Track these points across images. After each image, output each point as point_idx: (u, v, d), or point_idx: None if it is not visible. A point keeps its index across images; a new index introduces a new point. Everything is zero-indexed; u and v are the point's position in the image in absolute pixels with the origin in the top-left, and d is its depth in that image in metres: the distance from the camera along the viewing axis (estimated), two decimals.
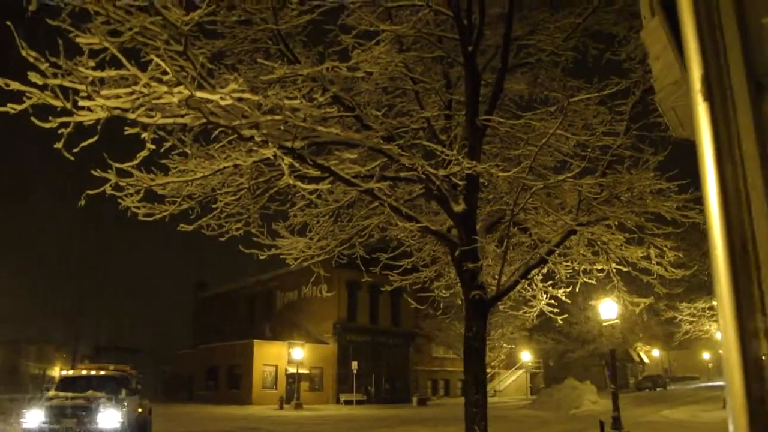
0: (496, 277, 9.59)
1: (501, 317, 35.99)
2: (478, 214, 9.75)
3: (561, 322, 13.60)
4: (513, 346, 55.15)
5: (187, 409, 41.48)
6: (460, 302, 13.54)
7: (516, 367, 65.77)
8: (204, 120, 7.20)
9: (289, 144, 7.22)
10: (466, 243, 9.31)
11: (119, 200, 8.21)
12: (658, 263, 10.54)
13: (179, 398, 54.82)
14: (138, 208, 8.45)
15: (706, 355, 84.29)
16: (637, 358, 78.53)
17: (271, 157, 7.37)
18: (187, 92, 5.97)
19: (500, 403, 42.45)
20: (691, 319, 36.68)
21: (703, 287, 35.58)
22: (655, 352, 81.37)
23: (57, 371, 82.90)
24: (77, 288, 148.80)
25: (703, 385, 71.87)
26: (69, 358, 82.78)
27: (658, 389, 66.76)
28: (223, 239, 9.65)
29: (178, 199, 8.62)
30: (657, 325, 51.62)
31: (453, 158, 8.05)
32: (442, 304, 14.39)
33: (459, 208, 9.19)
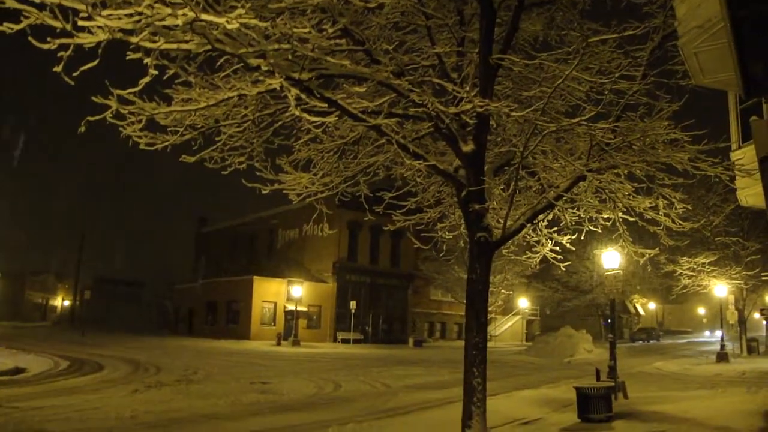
0: (502, 219, 9.47)
1: (502, 262, 36.13)
2: (486, 155, 9.56)
3: (564, 269, 13.56)
4: (511, 293, 55.54)
5: (185, 343, 42.04)
6: (462, 245, 13.47)
7: (513, 314, 66.49)
8: (209, 47, 6.96)
9: (296, 75, 6.99)
10: (474, 184, 9.16)
11: (121, 129, 8.03)
12: (665, 214, 10.40)
13: (179, 332, 55.54)
14: (140, 137, 8.27)
15: (701, 311, 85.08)
16: (632, 310, 79.35)
17: (278, 88, 7.15)
18: (192, 14, 5.74)
19: (496, 348, 42.92)
20: (691, 273, 36.79)
21: (705, 242, 35.67)
22: (651, 305, 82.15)
23: (59, 301, 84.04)
24: (80, 220, 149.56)
25: (695, 339, 72.90)
26: (71, 288, 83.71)
27: (651, 341, 67.69)
28: (225, 173, 9.49)
29: (181, 129, 8.44)
30: (656, 278, 51.87)
31: (464, 96, 7.84)
32: (445, 246, 14.28)
33: (468, 148, 9.01)
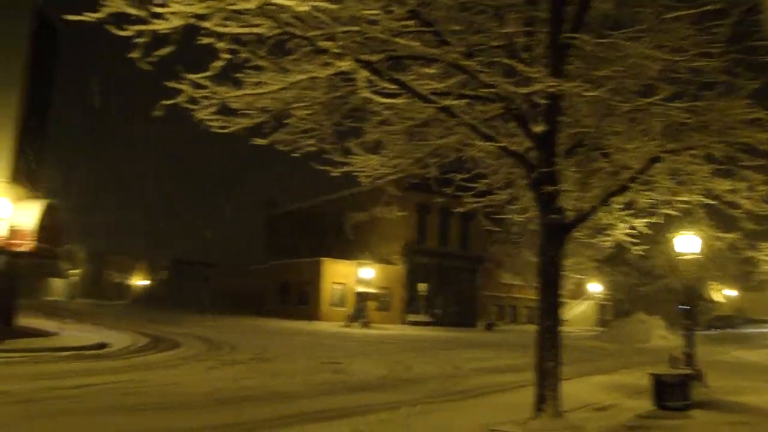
0: (574, 201, 9.33)
1: (574, 245, 35.53)
2: (557, 136, 9.39)
3: (641, 252, 13.21)
4: (582, 277, 54.66)
5: (257, 323, 42.91)
6: (533, 228, 13.30)
7: (584, 298, 65.41)
8: (279, 30, 7.06)
9: (365, 57, 7.03)
10: (545, 165, 9.03)
11: (193, 113, 8.22)
12: (746, 197, 10.03)
13: (251, 312, 56.69)
14: (212, 121, 8.46)
15: None
16: (709, 297, 77.02)
17: (347, 71, 7.21)
18: None
19: (566, 333, 42.23)
20: None
21: None
22: (729, 292, 79.54)
23: (136, 281, 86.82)
24: (156, 202, 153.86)
25: None
26: (147, 269, 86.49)
27: (728, 329, 65.59)
28: (296, 155, 9.62)
29: (252, 113, 8.58)
30: (734, 264, 50.25)
31: (535, 76, 7.72)
32: (515, 229, 14.16)
33: (539, 128, 8.87)
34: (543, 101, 8.72)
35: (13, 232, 19.86)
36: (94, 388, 12.28)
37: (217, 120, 8.33)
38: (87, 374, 14.45)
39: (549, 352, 9.47)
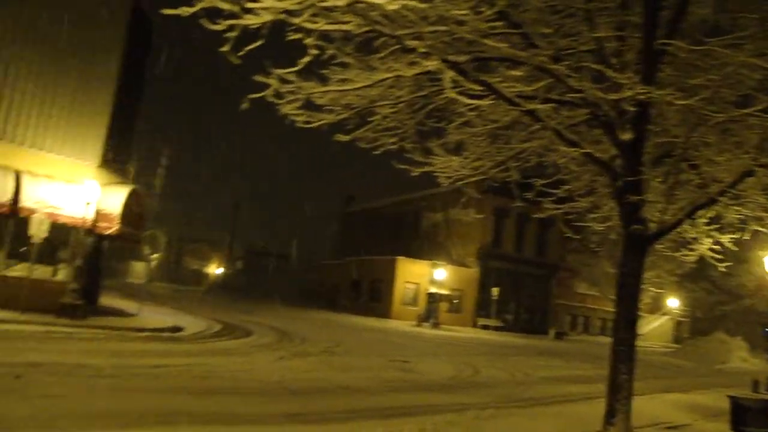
0: (659, 213, 9.07)
1: (654, 258, 34.56)
2: (644, 145, 9.15)
3: (725, 269, 12.76)
4: (661, 291, 53.15)
5: (328, 317, 43.37)
6: (614, 237, 13.00)
7: (660, 313, 63.61)
8: (368, 27, 7.10)
9: (452, 57, 7.01)
10: (630, 174, 8.81)
11: (278, 107, 8.35)
12: None
13: (323, 306, 57.32)
14: (297, 115, 8.58)
15: None
16: None
17: (433, 71, 7.20)
18: None
19: (641, 348, 41.21)
20: None
21: None
22: None
23: (213, 268, 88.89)
24: (235, 193, 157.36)
25: None
26: (224, 257, 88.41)
27: None
28: (377, 153, 9.66)
29: (337, 109, 8.67)
30: None
31: (625, 83, 7.53)
32: (594, 238, 13.89)
33: (626, 136, 8.65)
34: (632, 108, 8.50)
35: (100, 215, 20.65)
36: (169, 369, 12.65)
37: (302, 115, 8.44)
38: (162, 355, 14.91)
39: (623, 365, 9.25)
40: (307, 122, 8.59)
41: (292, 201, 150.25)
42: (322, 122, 8.67)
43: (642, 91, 7.59)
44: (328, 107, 8.60)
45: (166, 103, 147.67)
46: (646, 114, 8.89)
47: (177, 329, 21.40)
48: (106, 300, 25.82)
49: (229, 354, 16.80)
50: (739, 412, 11.80)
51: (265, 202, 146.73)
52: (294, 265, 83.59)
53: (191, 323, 24.33)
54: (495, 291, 48.19)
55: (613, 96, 7.86)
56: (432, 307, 47.31)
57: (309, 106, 8.42)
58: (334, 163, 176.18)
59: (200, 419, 8.65)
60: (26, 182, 19.36)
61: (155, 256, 27.82)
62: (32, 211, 19.10)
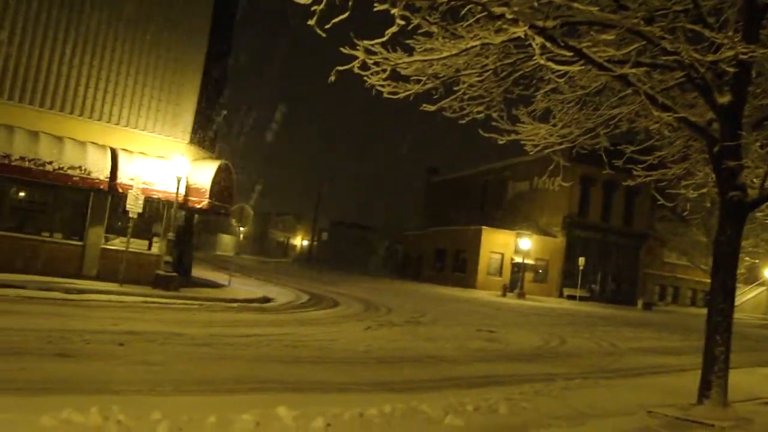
0: (758, 179, 8.71)
1: (753, 225, 33.27)
2: (744, 108, 8.77)
3: None
4: (757, 261, 51.16)
5: (413, 287, 43.65)
6: (708, 205, 12.60)
7: (757, 283, 61.28)
8: None
9: (540, 23, 6.84)
10: (729, 139, 8.46)
11: (365, 78, 8.38)
12: None
13: (407, 276, 57.70)
14: (383, 86, 8.59)
15: None
16: None
17: (521, 37, 7.08)
18: None
19: (736, 319, 39.91)
20: None
21: None
22: None
23: (298, 240, 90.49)
24: (322, 165, 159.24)
25: None
26: (309, 229, 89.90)
27: None
28: (463, 122, 9.61)
29: (423, 79, 8.64)
30: None
31: (725, 42, 7.20)
32: (688, 206, 13.45)
33: (724, 99, 8.30)
34: (731, 69, 8.14)
35: (191, 190, 21.30)
36: (259, 339, 13.01)
37: (388, 86, 8.45)
38: (253, 325, 15.37)
39: (719, 336, 8.98)
40: (394, 93, 8.60)
41: (377, 173, 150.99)
42: (408, 92, 8.67)
43: (744, 50, 7.24)
44: (414, 77, 8.58)
45: (253, 79, 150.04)
46: (747, 74, 8.51)
47: (266, 300, 22.00)
48: (198, 272, 26.70)
49: (316, 324, 17.16)
50: None
51: (351, 175, 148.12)
52: (379, 236, 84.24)
53: (279, 294, 24.95)
54: (581, 260, 47.41)
55: (711, 57, 7.54)
56: (517, 277, 46.96)
57: (395, 77, 8.43)
58: (420, 133, 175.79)
59: (290, 386, 8.88)
60: (122, 159, 20.16)
61: (243, 229, 28.47)
62: (128, 187, 19.90)
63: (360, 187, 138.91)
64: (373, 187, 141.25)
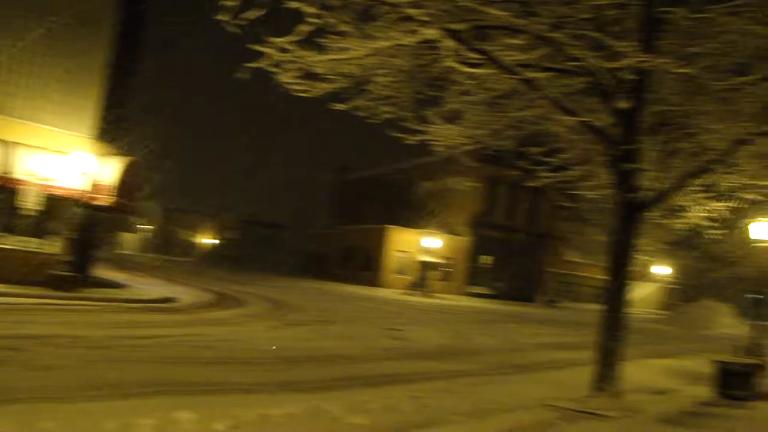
0: (653, 181, 9.16)
1: (645, 226, 34.71)
2: (641, 114, 9.19)
3: (715, 237, 12.96)
4: (650, 258, 53.51)
5: (321, 286, 43.56)
6: (606, 206, 13.08)
7: (649, 280, 64.10)
8: None
9: (452, 26, 6.99)
10: (626, 143, 8.87)
11: (276, 76, 8.33)
12: None
13: (315, 275, 57.52)
14: (295, 84, 8.56)
15: None
16: None
17: (433, 39, 7.19)
18: None
19: (630, 314, 41.58)
20: None
21: None
22: None
23: (204, 239, 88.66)
24: (226, 162, 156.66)
25: None
26: (216, 228, 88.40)
27: None
28: (373, 121, 9.67)
29: (335, 77, 8.65)
30: None
31: (625, 51, 7.54)
32: (588, 206, 13.99)
33: (623, 105, 8.69)
34: (630, 77, 8.53)
35: (95, 187, 20.53)
36: (162, 340, 12.69)
37: (300, 84, 8.43)
38: (156, 326, 14.97)
39: (612, 331, 9.41)
40: (305, 91, 8.58)
41: (286, 171, 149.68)
42: (320, 91, 8.67)
43: (641, 59, 7.60)
44: (326, 76, 8.58)
45: (163, 75, 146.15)
46: (644, 82, 8.93)
47: (170, 300, 21.43)
48: (100, 271, 25.81)
49: (222, 324, 16.88)
50: (723, 376, 12.03)
51: (260, 173, 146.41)
52: (289, 235, 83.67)
53: (184, 294, 24.37)
54: (486, 259, 48.41)
55: (612, 64, 7.88)
56: (423, 276, 47.53)
57: (307, 75, 8.41)
58: (330, 132, 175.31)
59: (194, 389, 8.69)
60: (17, 154, 19.20)
61: (148, 227, 27.70)
62: (24, 183, 18.98)
63: (271, 185, 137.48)
64: (283, 186, 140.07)
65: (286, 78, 8.31)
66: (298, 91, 8.57)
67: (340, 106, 9.18)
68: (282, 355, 12.61)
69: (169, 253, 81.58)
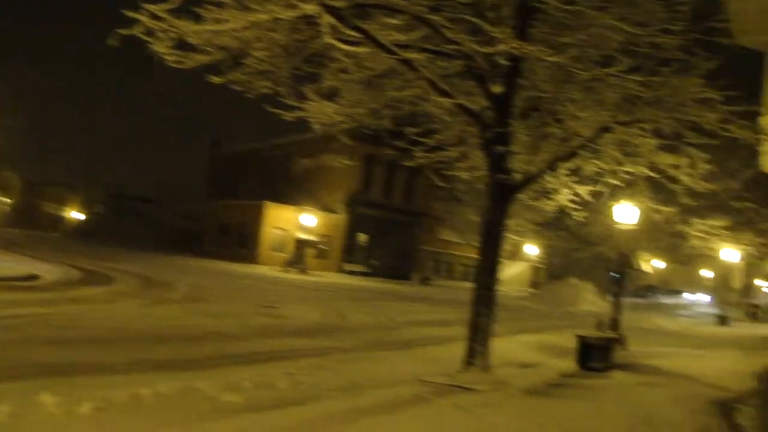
0: (524, 164, 9.49)
1: (517, 206, 35.97)
2: (514, 99, 9.49)
3: (581, 219, 13.62)
4: (520, 238, 55.62)
5: (195, 263, 42.56)
6: (480, 187, 13.47)
7: (519, 260, 66.69)
8: None
9: (331, 2, 6.93)
10: (499, 126, 9.14)
11: (150, 45, 8.01)
12: (688, 174, 10.38)
13: (189, 252, 56.12)
14: (169, 54, 8.25)
15: (706, 273, 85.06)
16: (638, 267, 79.40)
17: (311, 15, 7.11)
18: None
19: (500, 293, 43.00)
20: (702, 235, 36.87)
21: (721, 206, 35.55)
22: (657, 263, 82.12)
23: (71, 213, 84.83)
24: (97, 132, 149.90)
25: (687, 300, 74.56)
26: (84, 202, 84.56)
27: (653, 299, 68.29)
28: (250, 96, 9.48)
29: (211, 50, 8.41)
30: (665, 236, 51.81)
31: (499, 37, 7.73)
32: (462, 187, 14.36)
33: (497, 89, 8.93)
34: (504, 62, 8.77)
35: None
36: (23, 320, 12.02)
37: (174, 54, 8.13)
38: (17, 305, 14.12)
39: (483, 308, 9.72)
40: (179, 62, 8.29)
41: (160, 144, 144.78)
42: (194, 63, 8.40)
43: (515, 45, 7.82)
44: (201, 48, 8.32)
45: (24, 38, 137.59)
46: (518, 68, 9.20)
47: (32, 277, 20.31)
48: None
49: (89, 302, 16.18)
50: (584, 349, 12.78)
51: (136, 146, 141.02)
52: (162, 210, 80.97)
53: (48, 271, 23.14)
54: (362, 237, 48.85)
55: (487, 49, 8.06)
56: (300, 253, 47.39)
57: (182, 45, 8.12)
58: (208, 105, 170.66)
59: (58, 370, 8.29)
60: None
61: (6, 200, 26.11)
62: None
63: (144, 159, 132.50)
64: (157, 160, 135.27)
65: (160, 47, 7.99)
66: (172, 61, 8.26)
67: (215, 80, 8.93)
68: (153, 333, 12.26)
69: (33, 227, 77.43)
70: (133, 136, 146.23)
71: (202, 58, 8.38)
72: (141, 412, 6.73)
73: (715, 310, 46.28)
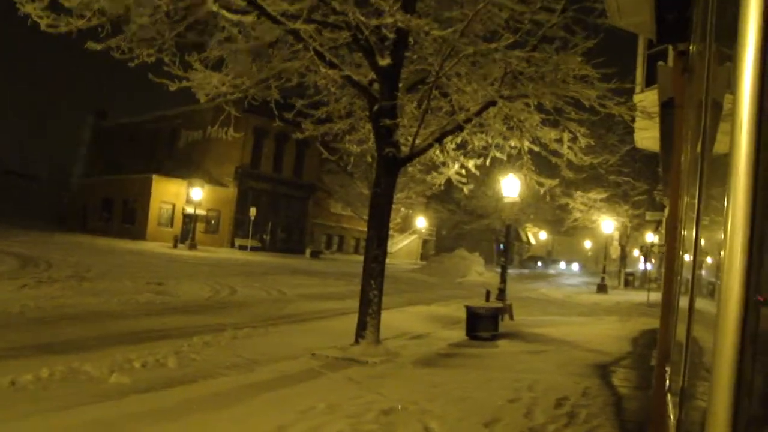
0: (411, 137, 9.58)
1: (406, 179, 36.55)
2: (401, 72, 9.56)
3: (466, 192, 13.95)
4: (410, 211, 56.43)
5: (79, 239, 40.92)
6: (369, 160, 13.54)
7: (410, 232, 67.76)
8: None
9: None
10: (387, 99, 9.19)
11: (19, 5, 7.56)
12: (569, 147, 10.78)
13: (73, 228, 53.84)
14: (41, 17, 7.81)
15: (588, 244, 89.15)
16: (525, 238, 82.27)
17: None
18: None
19: (391, 265, 43.37)
20: (583, 207, 38.67)
21: (599, 179, 37.35)
22: (541, 234, 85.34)
23: None
24: None
25: (571, 270, 78.60)
26: None
27: (538, 269, 71.18)
28: (132, 64, 9.12)
29: (88, 14, 8.01)
30: (550, 208, 53.89)
31: (386, 9, 7.74)
32: (352, 159, 14.36)
33: (384, 62, 8.94)
34: (391, 35, 8.81)
35: None
36: None
37: (47, 17, 7.69)
38: None
39: (373, 281, 9.82)
40: (53, 26, 7.86)
41: (40, 114, 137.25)
42: (70, 27, 7.98)
43: (401, 18, 7.85)
44: (78, 12, 7.92)
45: None
46: (405, 41, 9.27)
47: None
48: None
49: None
50: (472, 319, 13.16)
51: (7, 115, 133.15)
52: (41, 185, 77.17)
53: None
54: (252, 211, 48.25)
55: (375, 21, 8.06)
56: (188, 228, 46.39)
57: (56, 8, 7.70)
58: (87, 74, 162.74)
59: None
60: None
61: None
62: None
63: (19, 130, 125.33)
64: (35, 131, 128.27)
65: (30, 9, 7.55)
66: (45, 25, 7.82)
67: (94, 46, 8.53)
68: (34, 315, 11.73)
69: None
70: (12, 105, 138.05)
71: (78, 23, 7.97)
72: (20, 399, 6.44)
73: (591, 279, 48.65)
